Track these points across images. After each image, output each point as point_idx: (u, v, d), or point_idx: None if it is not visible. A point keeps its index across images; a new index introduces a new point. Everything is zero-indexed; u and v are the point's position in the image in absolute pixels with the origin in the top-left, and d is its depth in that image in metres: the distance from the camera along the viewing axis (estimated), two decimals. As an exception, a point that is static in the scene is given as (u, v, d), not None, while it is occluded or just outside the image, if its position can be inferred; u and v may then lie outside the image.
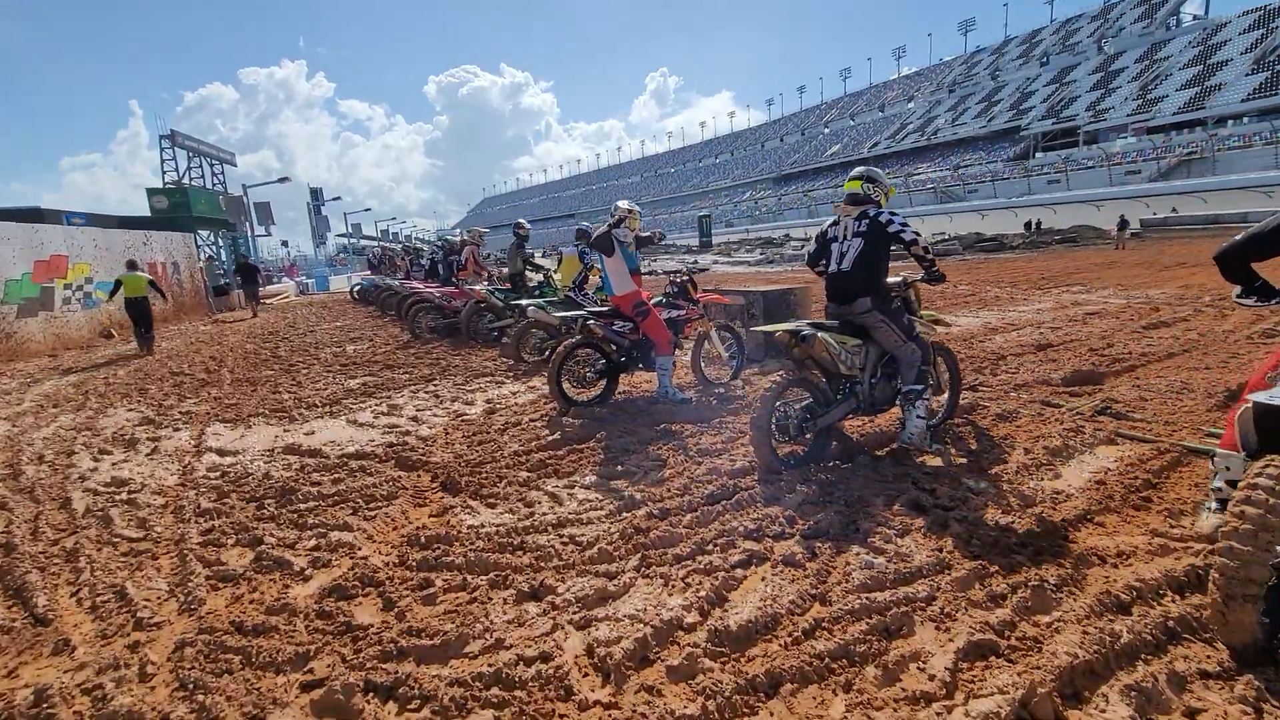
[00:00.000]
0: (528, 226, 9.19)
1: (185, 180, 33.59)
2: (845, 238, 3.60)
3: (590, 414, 4.90)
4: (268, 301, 23.75)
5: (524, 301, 7.40)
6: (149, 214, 24.50)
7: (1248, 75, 42.93)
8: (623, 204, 5.16)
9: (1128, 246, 24.36)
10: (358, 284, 19.62)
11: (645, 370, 5.38)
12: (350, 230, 58.02)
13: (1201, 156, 40.74)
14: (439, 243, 16.51)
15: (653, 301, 5.25)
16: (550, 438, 4.46)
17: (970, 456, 3.69)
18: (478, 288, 9.17)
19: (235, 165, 39.50)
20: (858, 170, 3.73)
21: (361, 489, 3.71)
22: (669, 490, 3.43)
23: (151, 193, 25.41)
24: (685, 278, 5.56)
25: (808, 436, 3.57)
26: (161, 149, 33.84)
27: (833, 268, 3.64)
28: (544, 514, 3.25)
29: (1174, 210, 35.53)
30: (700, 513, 3.07)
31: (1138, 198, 40.23)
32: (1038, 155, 52.50)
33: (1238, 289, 2.25)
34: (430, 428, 5.05)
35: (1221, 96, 43.18)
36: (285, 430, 5.27)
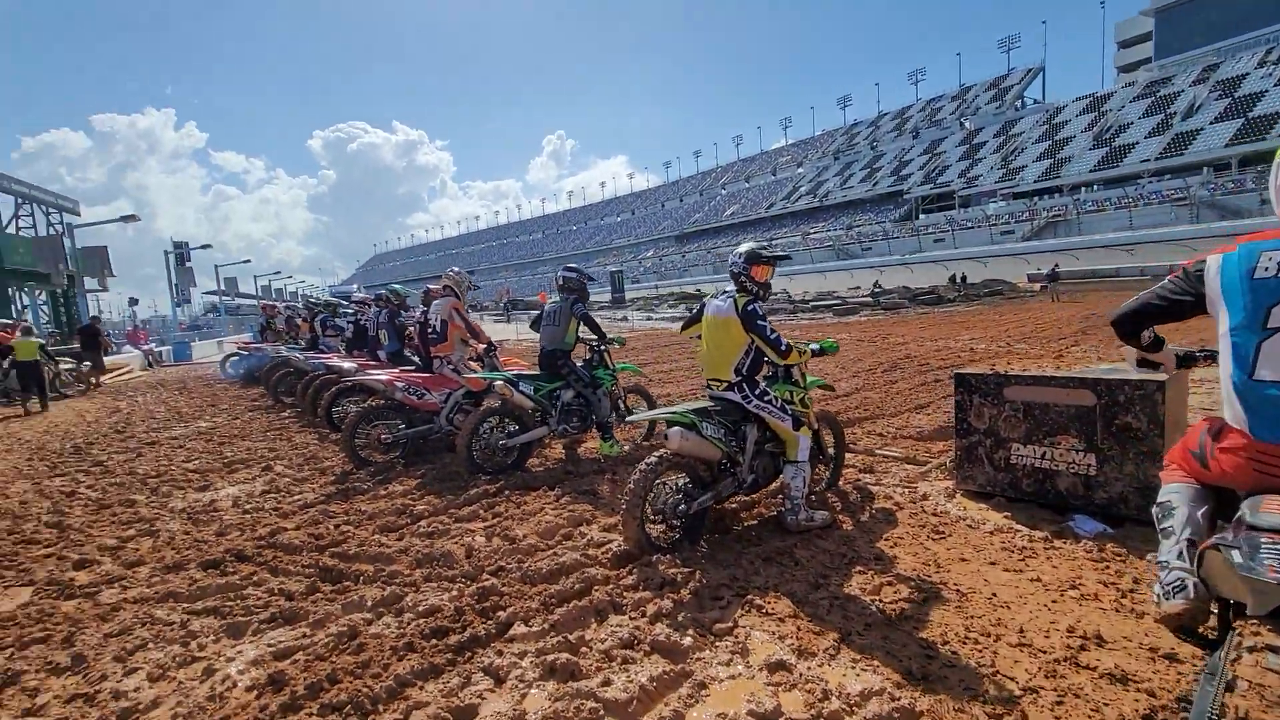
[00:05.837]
0: (587, 275, 5.36)
1: (10, 229, 26.46)
2: None
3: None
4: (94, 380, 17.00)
5: (653, 414, 3.72)
6: None
7: (1091, 149, 48.92)
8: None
9: (1062, 299, 24.72)
10: (234, 355, 14.16)
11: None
12: (223, 286, 48.82)
13: (1066, 219, 45.14)
14: (350, 301, 12.14)
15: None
16: None
17: None
18: (475, 373, 5.28)
19: (78, 214, 31.88)
20: None
21: None
22: None
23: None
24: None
25: None
26: (-24, 193, 26.28)
27: None
28: None
29: (1056, 266, 38.42)
30: None
31: (1016, 255, 43.56)
32: (921, 216, 56.47)
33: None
34: None
35: (1072, 167, 48.72)
36: None
